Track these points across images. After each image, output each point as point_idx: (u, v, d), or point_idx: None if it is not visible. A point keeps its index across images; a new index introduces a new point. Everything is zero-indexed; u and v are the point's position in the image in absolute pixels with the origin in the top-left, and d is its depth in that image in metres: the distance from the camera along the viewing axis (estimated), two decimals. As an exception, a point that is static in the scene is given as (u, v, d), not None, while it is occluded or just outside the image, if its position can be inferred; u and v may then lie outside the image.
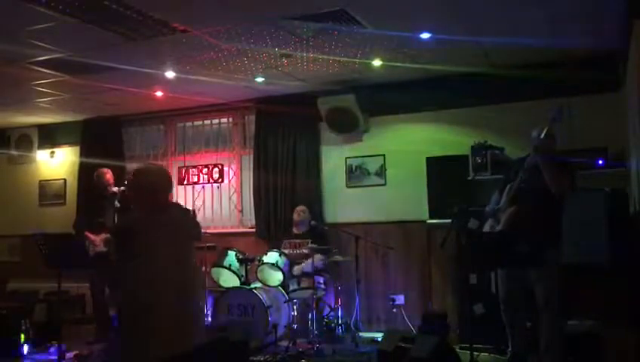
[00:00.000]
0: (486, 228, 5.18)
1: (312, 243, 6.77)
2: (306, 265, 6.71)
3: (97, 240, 6.49)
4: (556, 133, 4.87)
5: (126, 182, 5.82)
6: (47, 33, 5.23)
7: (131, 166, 8.49)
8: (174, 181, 8.54)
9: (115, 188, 6.60)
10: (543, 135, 4.75)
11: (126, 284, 3.16)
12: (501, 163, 6.12)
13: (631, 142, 5.29)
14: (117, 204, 6.56)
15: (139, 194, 3.37)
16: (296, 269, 6.79)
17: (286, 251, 6.84)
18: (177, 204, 3.42)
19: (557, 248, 4.85)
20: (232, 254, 6.75)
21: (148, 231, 3.19)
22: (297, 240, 7.07)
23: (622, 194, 5.56)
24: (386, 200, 7.32)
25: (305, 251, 6.79)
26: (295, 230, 7.19)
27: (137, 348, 3.06)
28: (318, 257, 6.52)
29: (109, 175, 6.89)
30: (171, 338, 3.11)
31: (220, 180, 8.29)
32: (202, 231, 3.57)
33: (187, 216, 3.49)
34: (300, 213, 7.18)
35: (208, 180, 8.33)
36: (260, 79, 6.94)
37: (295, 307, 6.46)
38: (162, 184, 3.36)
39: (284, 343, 6.15)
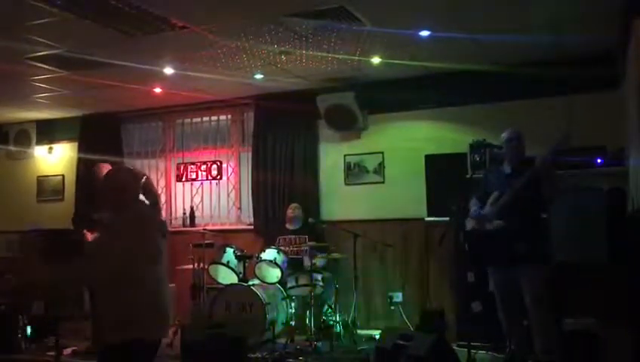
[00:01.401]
0: (467, 227, 5.20)
1: (308, 240, 6.78)
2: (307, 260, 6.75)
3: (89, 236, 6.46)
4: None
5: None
6: (46, 29, 5.22)
7: (129, 162, 8.49)
8: (172, 178, 8.56)
9: None
10: (563, 137, 4.76)
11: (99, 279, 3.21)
12: (499, 161, 6.11)
13: (630, 140, 5.29)
14: None
15: (106, 194, 3.41)
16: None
17: (282, 248, 6.84)
18: (143, 202, 3.41)
19: (543, 246, 4.88)
20: (230, 251, 6.74)
21: (115, 229, 3.23)
22: (292, 236, 7.08)
23: (620, 193, 5.57)
24: (384, 198, 7.32)
25: (303, 248, 6.79)
26: (289, 225, 7.19)
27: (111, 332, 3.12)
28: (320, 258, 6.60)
29: (106, 170, 6.86)
30: (147, 326, 3.15)
31: (219, 177, 8.29)
32: (167, 228, 3.61)
33: (153, 213, 3.51)
34: (294, 209, 7.21)
35: (207, 177, 8.33)
36: (258, 76, 6.93)
37: (293, 304, 6.46)
38: (129, 184, 3.38)
39: (282, 340, 6.16)
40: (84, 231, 6.51)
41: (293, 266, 6.75)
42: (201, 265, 6.76)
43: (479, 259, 5.27)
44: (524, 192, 4.81)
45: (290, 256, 6.79)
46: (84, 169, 8.28)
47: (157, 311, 3.24)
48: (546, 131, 5.31)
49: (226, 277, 6.75)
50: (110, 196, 3.38)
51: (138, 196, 3.36)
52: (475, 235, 5.11)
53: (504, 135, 5.13)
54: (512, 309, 5.07)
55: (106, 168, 6.84)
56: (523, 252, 4.76)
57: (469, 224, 5.17)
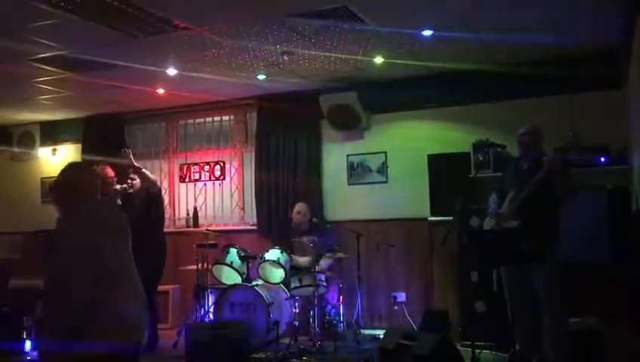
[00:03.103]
0: (487, 226, 5.18)
1: (315, 239, 6.78)
2: (324, 263, 6.74)
3: None
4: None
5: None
6: (49, 30, 5.22)
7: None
8: (176, 178, 8.57)
9: (118, 186, 6.56)
10: (574, 135, 4.74)
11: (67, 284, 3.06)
12: (503, 160, 6.11)
13: (633, 139, 5.28)
14: (119, 201, 6.53)
15: (62, 194, 3.29)
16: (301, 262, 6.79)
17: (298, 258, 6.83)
18: (99, 202, 3.31)
19: (556, 246, 4.85)
20: (233, 251, 6.74)
21: (76, 231, 3.12)
22: (303, 238, 7.06)
23: (624, 192, 5.56)
24: (387, 198, 7.32)
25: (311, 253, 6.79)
26: (295, 224, 7.17)
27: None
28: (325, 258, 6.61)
29: (112, 175, 6.86)
30: (119, 330, 3.04)
31: (222, 178, 8.30)
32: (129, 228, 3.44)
33: (114, 213, 3.40)
34: (300, 207, 7.18)
35: (210, 178, 8.34)
36: (261, 76, 6.94)
37: (297, 304, 6.46)
38: (87, 183, 3.28)
39: (286, 340, 6.16)
40: None
41: (295, 267, 6.75)
42: (205, 265, 6.76)
43: (490, 258, 5.25)
44: (537, 192, 4.79)
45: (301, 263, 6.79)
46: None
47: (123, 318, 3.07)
48: (550, 130, 5.29)
49: (230, 277, 6.76)
50: (60, 195, 3.27)
51: (91, 196, 3.24)
52: (485, 234, 5.09)
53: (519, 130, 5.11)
54: (521, 309, 5.06)
55: (111, 172, 6.87)
56: (534, 252, 4.73)
57: (489, 223, 5.15)
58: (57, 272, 3.00)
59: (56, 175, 3.31)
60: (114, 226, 3.26)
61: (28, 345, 6.30)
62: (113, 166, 6.53)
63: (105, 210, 3.36)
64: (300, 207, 7.20)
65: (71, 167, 3.37)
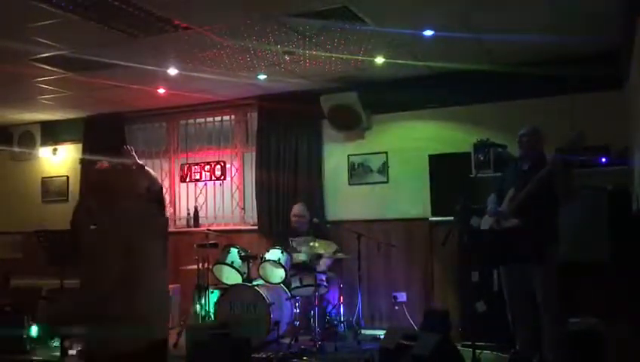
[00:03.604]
0: (484, 226, 5.18)
1: (315, 240, 6.77)
2: (323, 264, 6.72)
3: None
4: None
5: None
6: (49, 30, 5.23)
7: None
8: (176, 178, 8.57)
9: None
10: (577, 136, 4.72)
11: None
12: (503, 160, 6.11)
13: (633, 139, 5.28)
14: None
15: (95, 192, 3.31)
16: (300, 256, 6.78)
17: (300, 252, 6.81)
18: (137, 199, 3.31)
19: (555, 246, 4.86)
20: (234, 251, 6.74)
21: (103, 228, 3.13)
22: (302, 238, 7.05)
23: (624, 193, 5.56)
24: (388, 198, 7.32)
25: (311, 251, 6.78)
26: (294, 224, 7.16)
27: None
28: (325, 259, 6.60)
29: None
30: (147, 326, 3.04)
31: (223, 177, 8.30)
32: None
33: (147, 211, 3.40)
34: (299, 207, 7.17)
35: (210, 177, 8.34)
36: (262, 76, 6.94)
37: (297, 304, 6.46)
38: (118, 181, 3.29)
39: (287, 340, 6.16)
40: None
41: (296, 266, 6.75)
42: (206, 265, 6.76)
43: (489, 258, 5.26)
44: (538, 191, 4.79)
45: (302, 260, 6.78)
46: (85, 168, 8.30)
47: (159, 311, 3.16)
48: (550, 130, 5.29)
49: (230, 277, 6.76)
50: (98, 194, 3.29)
51: (130, 193, 3.27)
52: (485, 234, 5.09)
53: (520, 131, 5.11)
54: (520, 308, 5.06)
55: (101, 166, 6.86)
56: (534, 251, 4.73)
57: (487, 222, 5.15)
58: (89, 268, 3.03)
59: (94, 174, 3.37)
60: (149, 225, 3.27)
61: (28, 344, 6.29)
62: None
63: (140, 208, 3.38)
64: (296, 209, 7.19)
65: (106, 167, 3.41)
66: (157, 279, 3.20)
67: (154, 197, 6.65)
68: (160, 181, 6.56)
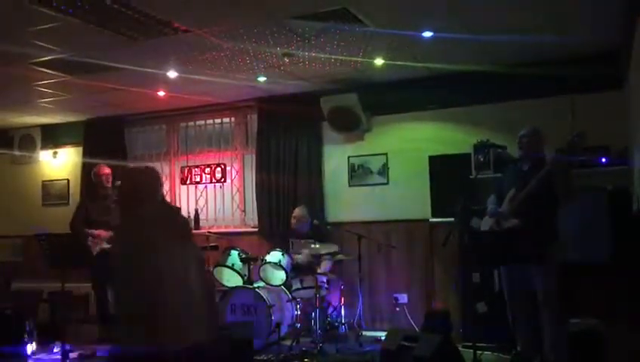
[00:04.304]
0: (484, 227, 5.18)
1: (315, 242, 6.77)
2: (324, 265, 6.70)
3: (103, 234, 6.46)
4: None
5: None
6: (49, 34, 5.24)
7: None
8: (177, 181, 8.57)
9: (118, 182, 6.54)
10: (578, 134, 4.72)
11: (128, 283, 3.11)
12: (503, 161, 6.11)
13: (633, 139, 5.28)
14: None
15: (124, 198, 3.34)
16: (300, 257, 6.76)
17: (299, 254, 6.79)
18: (161, 202, 3.34)
19: (556, 247, 4.86)
20: (234, 253, 6.74)
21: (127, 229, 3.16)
22: (302, 240, 7.04)
23: (624, 193, 5.56)
24: (388, 199, 7.32)
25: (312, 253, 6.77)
26: (294, 227, 7.15)
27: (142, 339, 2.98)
28: (326, 260, 6.60)
29: (106, 172, 6.86)
30: (173, 331, 3.04)
31: (223, 180, 8.30)
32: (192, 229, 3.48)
33: (169, 214, 3.42)
34: (300, 210, 7.17)
35: (211, 180, 8.35)
36: (262, 78, 6.94)
37: (298, 306, 6.46)
38: (143, 184, 3.30)
39: (288, 342, 6.15)
40: (94, 230, 6.53)
41: (297, 268, 6.74)
42: (206, 267, 6.76)
43: (490, 258, 5.25)
44: (538, 191, 4.79)
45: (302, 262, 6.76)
46: (86, 171, 8.32)
47: (177, 318, 3.11)
48: (550, 131, 5.29)
49: (231, 279, 6.76)
50: (124, 196, 3.32)
51: (154, 196, 3.29)
52: (485, 235, 5.09)
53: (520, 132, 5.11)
54: (521, 309, 5.06)
55: (105, 169, 6.88)
56: (534, 252, 4.73)
57: (487, 223, 5.15)
58: (118, 270, 3.04)
59: (120, 179, 3.40)
60: (172, 226, 3.28)
61: (29, 348, 6.29)
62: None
63: (164, 210, 3.39)
64: (297, 212, 7.18)
65: (131, 172, 3.45)
66: (185, 279, 3.20)
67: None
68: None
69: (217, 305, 3.26)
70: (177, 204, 8.59)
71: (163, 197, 3.41)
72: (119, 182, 3.39)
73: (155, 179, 3.38)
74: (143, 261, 3.02)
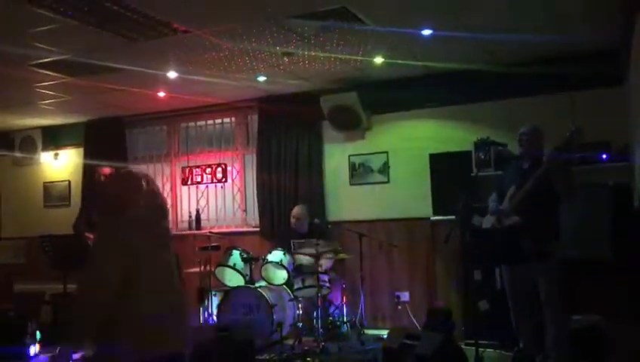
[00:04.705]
0: (486, 225, 5.18)
1: (317, 242, 6.76)
2: (325, 264, 6.70)
3: None
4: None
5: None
6: (49, 35, 5.24)
7: (135, 166, 8.51)
8: (178, 181, 8.58)
9: None
10: (575, 131, 4.70)
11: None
12: (504, 158, 6.11)
13: (634, 136, 5.28)
14: None
15: (103, 198, 3.30)
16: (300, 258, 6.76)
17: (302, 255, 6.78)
18: (145, 207, 3.28)
19: (557, 244, 4.85)
20: (236, 253, 6.75)
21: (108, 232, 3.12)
22: (303, 240, 7.04)
23: (625, 189, 5.56)
24: (389, 198, 7.32)
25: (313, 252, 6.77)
26: (294, 226, 7.15)
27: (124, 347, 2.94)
28: (327, 259, 6.59)
29: (107, 171, 6.85)
30: (156, 337, 3.00)
31: (224, 180, 8.31)
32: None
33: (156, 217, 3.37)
34: (299, 209, 7.17)
35: (212, 180, 8.36)
36: (262, 78, 6.94)
37: (300, 305, 6.46)
38: (126, 188, 3.27)
39: (290, 342, 6.16)
40: (87, 234, 6.54)
41: (298, 267, 6.75)
42: (208, 267, 6.77)
43: (491, 256, 5.26)
44: (536, 189, 4.79)
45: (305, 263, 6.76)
46: (88, 173, 8.33)
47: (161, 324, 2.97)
48: (550, 128, 5.28)
49: (233, 279, 6.77)
50: (107, 200, 3.29)
51: (137, 200, 3.26)
52: (487, 232, 5.09)
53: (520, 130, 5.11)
54: (523, 307, 5.05)
55: (102, 170, 6.88)
56: (535, 249, 4.73)
57: (489, 220, 5.15)
58: (90, 272, 3.00)
59: (96, 183, 3.36)
60: (155, 230, 3.25)
61: (32, 350, 6.30)
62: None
63: (146, 214, 3.36)
64: (296, 211, 7.19)
65: (112, 177, 3.37)
66: (165, 287, 3.17)
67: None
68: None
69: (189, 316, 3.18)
70: (179, 205, 8.61)
71: (153, 196, 3.36)
72: (101, 187, 3.32)
73: (138, 186, 3.33)
74: (133, 264, 2.98)
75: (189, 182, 8.50)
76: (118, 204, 3.13)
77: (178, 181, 8.64)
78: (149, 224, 3.18)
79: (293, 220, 7.17)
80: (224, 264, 6.74)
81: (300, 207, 7.23)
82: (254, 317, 6.33)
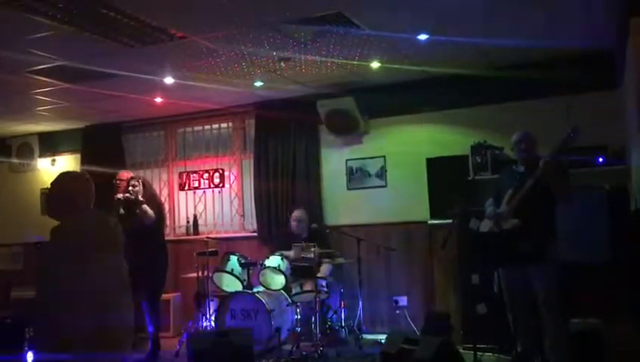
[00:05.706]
0: (484, 229, 5.19)
1: (315, 246, 6.75)
2: (323, 269, 6.69)
3: None
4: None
5: None
6: (46, 42, 5.24)
7: (133, 172, 8.48)
8: (175, 187, 8.57)
9: (120, 195, 6.51)
10: (572, 131, 4.71)
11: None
12: (501, 162, 6.13)
13: (630, 139, 5.29)
14: (121, 211, 6.48)
15: (55, 204, 3.27)
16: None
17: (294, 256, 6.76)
18: (93, 211, 3.26)
19: (554, 247, 4.86)
20: (234, 258, 6.75)
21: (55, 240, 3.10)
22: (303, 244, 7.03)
23: (622, 192, 5.57)
24: (387, 202, 7.32)
25: (311, 256, 6.75)
26: (294, 230, 7.14)
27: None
28: (326, 264, 6.60)
29: (125, 175, 6.83)
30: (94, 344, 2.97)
31: (221, 185, 8.31)
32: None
33: (107, 224, 3.32)
34: (299, 213, 7.16)
35: (209, 185, 8.36)
36: (259, 83, 6.95)
37: (298, 310, 6.45)
38: (81, 193, 3.25)
39: (288, 347, 6.15)
40: None
41: (296, 272, 6.74)
42: (205, 273, 6.76)
43: (489, 259, 5.26)
44: (532, 193, 4.80)
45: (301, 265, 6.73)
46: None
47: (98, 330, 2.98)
48: (546, 132, 5.29)
49: (231, 284, 6.76)
50: (54, 204, 3.25)
51: (85, 204, 3.22)
52: (484, 236, 5.10)
53: (513, 137, 5.11)
54: (520, 310, 5.06)
55: (121, 174, 6.84)
56: (533, 252, 4.74)
57: (486, 225, 5.15)
58: (42, 283, 2.98)
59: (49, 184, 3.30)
60: (105, 238, 3.22)
61: (30, 356, 6.28)
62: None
63: (97, 220, 3.31)
64: (296, 214, 7.18)
65: (63, 177, 3.33)
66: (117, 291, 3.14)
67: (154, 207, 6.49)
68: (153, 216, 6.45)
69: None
70: (176, 210, 8.60)
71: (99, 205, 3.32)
72: (50, 190, 3.28)
73: (89, 188, 3.32)
74: (76, 270, 2.96)
75: (186, 188, 8.50)
76: (67, 207, 3.09)
77: (175, 186, 8.63)
78: (98, 231, 3.13)
79: (294, 223, 7.16)
80: (222, 269, 6.73)
81: (301, 209, 7.23)
82: (252, 322, 6.32)
